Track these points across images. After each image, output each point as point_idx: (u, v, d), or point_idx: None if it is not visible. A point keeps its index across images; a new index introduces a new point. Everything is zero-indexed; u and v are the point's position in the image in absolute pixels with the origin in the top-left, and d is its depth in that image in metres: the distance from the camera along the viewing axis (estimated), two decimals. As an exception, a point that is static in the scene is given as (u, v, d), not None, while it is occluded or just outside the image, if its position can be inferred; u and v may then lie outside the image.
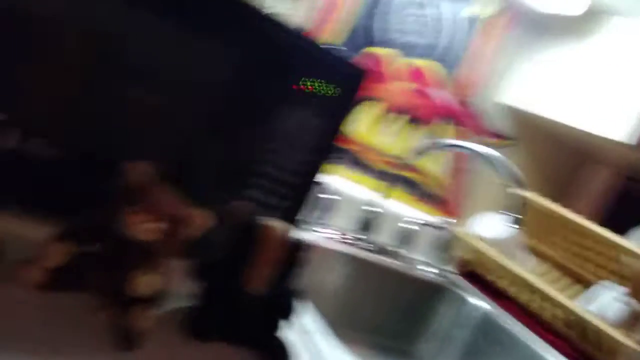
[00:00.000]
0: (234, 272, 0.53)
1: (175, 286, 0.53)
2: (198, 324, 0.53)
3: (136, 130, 0.60)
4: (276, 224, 0.54)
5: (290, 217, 0.73)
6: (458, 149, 1.22)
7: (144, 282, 0.47)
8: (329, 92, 0.70)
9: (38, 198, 0.56)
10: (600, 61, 1.14)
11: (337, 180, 1.13)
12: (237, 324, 0.54)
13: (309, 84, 0.69)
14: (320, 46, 0.69)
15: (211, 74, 0.62)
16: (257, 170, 0.67)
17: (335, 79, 0.70)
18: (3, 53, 0.53)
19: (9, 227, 0.52)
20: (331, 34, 1.06)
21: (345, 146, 1.15)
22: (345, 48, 1.08)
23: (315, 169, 0.73)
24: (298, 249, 0.55)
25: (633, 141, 1.00)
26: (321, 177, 1.08)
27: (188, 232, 0.50)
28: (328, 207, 1.10)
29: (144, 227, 0.47)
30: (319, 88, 0.70)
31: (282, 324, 0.57)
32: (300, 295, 0.57)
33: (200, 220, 0.50)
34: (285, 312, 0.56)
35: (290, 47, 0.66)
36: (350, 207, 1.14)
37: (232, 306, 0.53)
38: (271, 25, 0.64)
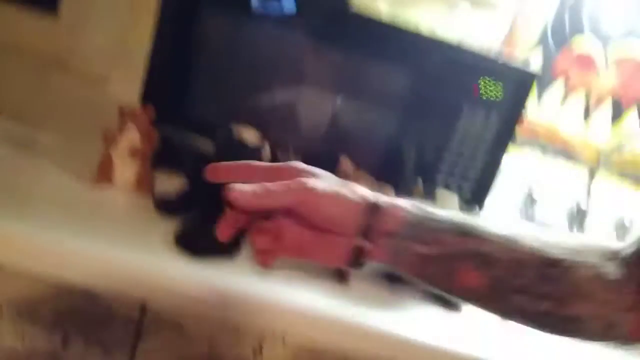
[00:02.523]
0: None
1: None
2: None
3: (345, 135, 0.84)
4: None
5: (478, 199, 0.87)
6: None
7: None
8: (501, 94, 0.83)
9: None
10: None
11: (543, 175, 1.19)
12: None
13: (486, 88, 0.83)
14: (496, 56, 0.83)
15: (401, 91, 0.83)
16: (445, 159, 0.85)
17: (509, 83, 0.83)
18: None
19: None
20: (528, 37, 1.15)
21: (551, 141, 1.21)
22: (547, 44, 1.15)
23: (495, 160, 0.87)
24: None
25: None
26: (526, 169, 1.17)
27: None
28: (533, 198, 1.18)
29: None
30: (494, 91, 0.83)
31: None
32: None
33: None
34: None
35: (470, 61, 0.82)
36: (558, 200, 1.19)
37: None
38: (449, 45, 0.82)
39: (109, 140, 0.78)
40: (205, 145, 0.86)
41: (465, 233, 0.42)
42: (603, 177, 1.24)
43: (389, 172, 0.80)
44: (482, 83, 0.81)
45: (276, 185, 0.41)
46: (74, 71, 1.15)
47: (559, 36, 1.16)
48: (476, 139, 0.84)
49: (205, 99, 0.89)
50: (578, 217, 1.17)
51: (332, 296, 0.68)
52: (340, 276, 0.70)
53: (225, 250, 0.68)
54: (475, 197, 0.85)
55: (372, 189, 0.70)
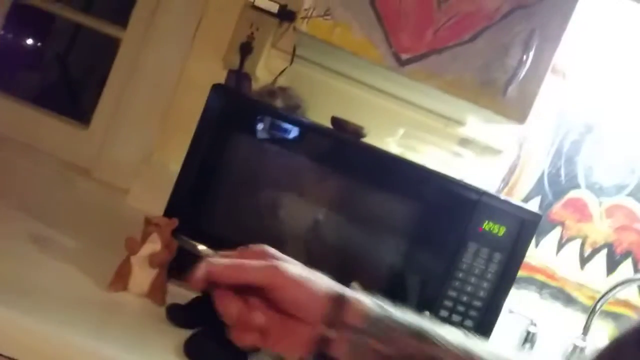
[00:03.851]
0: None
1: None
2: None
3: (354, 261, 0.88)
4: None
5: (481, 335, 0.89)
6: (669, 283, 1.22)
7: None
8: (505, 232, 0.88)
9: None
10: None
11: (540, 314, 1.22)
12: None
13: (490, 226, 0.89)
14: (500, 196, 0.90)
15: (406, 223, 0.89)
16: (447, 294, 0.88)
17: (513, 222, 0.89)
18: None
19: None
20: (526, 183, 1.24)
21: (549, 281, 1.25)
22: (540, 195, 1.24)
23: (497, 297, 0.89)
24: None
25: None
26: (524, 310, 1.20)
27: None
28: (530, 340, 1.19)
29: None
30: (499, 229, 0.89)
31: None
32: None
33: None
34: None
35: (474, 198, 0.88)
36: (554, 342, 1.20)
37: None
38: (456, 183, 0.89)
39: (131, 247, 0.81)
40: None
41: (422, 337, 0.43)
42: (598, 322, 1.26)
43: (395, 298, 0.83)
44: (487, 222, 0.87)
45: (249, 262, 0.43)
46: (98, 180, 1.22)
47: (555, 186, 1.25)
48: (480, 276, 0.88)
49: (222, 216, 0.94)
50: (574, 357, 1.17)
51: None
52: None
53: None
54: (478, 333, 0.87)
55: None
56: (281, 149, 0.91)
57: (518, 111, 0.95)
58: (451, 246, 0.88)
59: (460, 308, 0.87)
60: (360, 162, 0.89)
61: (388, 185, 0.88)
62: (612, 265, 1.26)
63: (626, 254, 1.26)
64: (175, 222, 0.82)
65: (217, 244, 0.90)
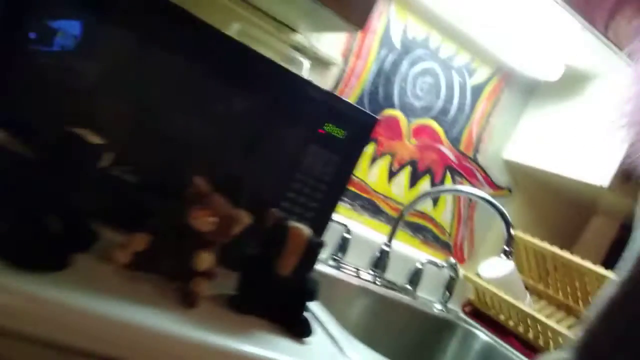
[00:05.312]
0: (268, 261, 0.69)
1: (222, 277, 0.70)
2: (239, 300, 0.69)
3: (197, 154, 0.80)
4: (301, 226, 0.72)
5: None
6: (459, 194, 1.39)
7: (204, 259, 0.64)
8: (345, 135, 0.88)
9: (121, 211, 0.75)
10: (582, 117, 1.32)
11: (352, 223, 1.29)
12: (270, 303, 0.70)
13: (331, 128, 0.87)
14: (342, 100, 0.89)
15: (254, 118, 0.83)
16: (286, 195, 0.85)
17: (353, 125, 0.89)
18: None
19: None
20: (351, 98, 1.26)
21: (361, 193, 1.32)
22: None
23: (332, 199, 0.90)
24: (316, 246, 0.72)
25: (605, 183, 1.16)
26: (339, 218, 1.25)
27: (234, 226, 0.67)
28: (344, 246, 1.26)
29: (204, 220, 0.65)
30: (338, 131, 0.88)
31: (307, 305, 0.72)
32: (317, 285, 0.73)
33: (242, 218, 0.68)
34: (310, 294, 0.71)
35: (319, 98, 0.85)
36: (364, 247, 1.30)
37: (266, 288, 0.70)
38: (302, 81, 0.85)
39: None
40: (18, 146, 0.72)
41: None
42: (401, 232, 1.40)
43: (232, 197, 0.77)
44: (328, 124, 0.86)
45: None
46: None
47: (374, 105, 1.30)
48: (318, 178, 0.87)
49: (22, 99, 0.76)
50: (380, 262, 1.28)
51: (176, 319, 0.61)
52: (187, 301, 0.64)
53: (52, 261, 0.57)
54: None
55: (228, 210, 0.67)
56: (94, 16, 0.75)
57: (358, 15, 0.94)
58: (291, 146, 0.85)
59: (297, 209, 0.86)
60: (194, 40, 0.78)
61: (230, 73, 0.80)
62: (414, 180, 1.39)
63: (426, 171, 1.40)
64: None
65: (13, 129, 0.73)
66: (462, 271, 1.41)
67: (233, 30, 1.09)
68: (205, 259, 0.64)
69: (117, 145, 0.74)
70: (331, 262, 1.22)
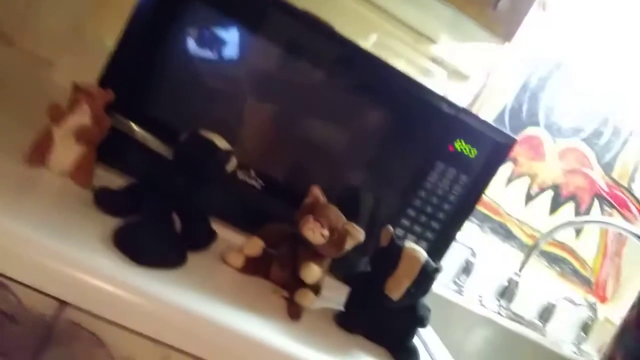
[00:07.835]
0: (378, 280, 0.67)
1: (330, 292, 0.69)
2: (345, 317, 0.67)
3: (321, 164, 0.80)
4: (416, 247, 0.68)
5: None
6: (608, 227, 1.24)
7: (313, 271, 0.63)
8: (477, 154, 0.82)
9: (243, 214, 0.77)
10: None
11: (479, 246, 1.21)
12: (377, 324, 0.67)
13: (461, 145, 0.82)
14: (477, 117, 0.83)
15: (382, 131, 0.81)
16: (406, 212, 0.82)
17: (486, 144, 0.83)
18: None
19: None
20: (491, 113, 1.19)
21: (492, 215, 1.23)
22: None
23: (456, 221, 0.85)
24: (432, 272, 0.67)
25: None
26: (465, 240, 1.18)
27: (347, 241, 0.65)
28: (468, 269, 1.18)
29: (317, 233, 0.64)
30: (469, 150, 0.83)
31: (416, 331, 0.69)
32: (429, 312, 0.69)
33: (356, 234, 0.66)
34: (421, 321, 0.68)
35: (451, 114, 0.81)
36: (490, 273, 1.21)
37: (375, 308, 0.67)
38: (434, 95, 0.81)
39: (55, 116, 0.68)
40: (157, 146, 0.78)
41: None
42: (535, 261, 1.28)
43: (350, 210, 0.76)
44: (459, 141, 0.81)
45: None
46: (21, 49, 1.04)
47: (515, 121, 1.21)
48: (442, 198, 0.83)
49: (163, 98, 0.82)
50: (508, 292, 1.19)
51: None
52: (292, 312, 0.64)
53: (171, 259, 0.60)
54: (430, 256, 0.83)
55: (342, 223, 0.66)
56: (239, 27, 0.78)
57: (505, 27, 0.88)
58: (418, 162, 0.81)
59: (417, 228, 0.82)
60: (332, 53, 0.78)
61: (361, 85, 0.79)
62: (555, 206, 1.26)
63: (571, 197, 1.26)
64: (110, 94, 0.70)
65: (155, 129, 0.79)
66: (602, 312, 1.25)
67: (370, 41, 1.08)
68: (314, 271, 0.64)
69: (245, 149, 0.77)
70: (452, 286, 1.16)
